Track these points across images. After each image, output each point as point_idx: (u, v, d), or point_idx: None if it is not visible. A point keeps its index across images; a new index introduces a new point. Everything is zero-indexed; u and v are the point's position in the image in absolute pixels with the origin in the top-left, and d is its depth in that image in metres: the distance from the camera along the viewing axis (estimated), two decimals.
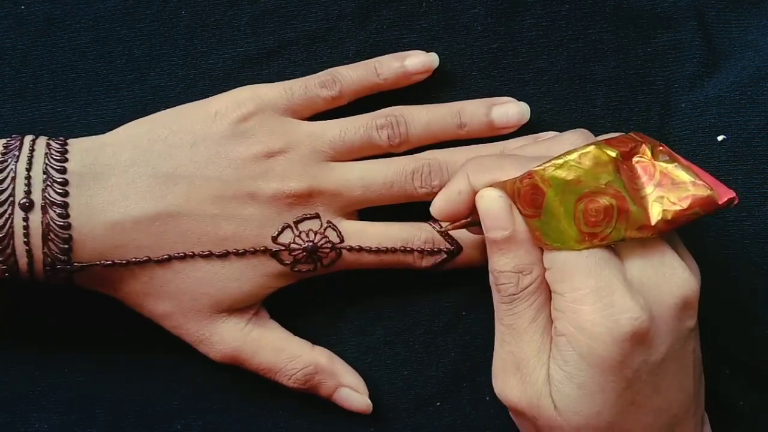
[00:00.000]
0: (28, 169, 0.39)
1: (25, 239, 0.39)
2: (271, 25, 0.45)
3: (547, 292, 0.38)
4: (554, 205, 0.37)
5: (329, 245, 0.42)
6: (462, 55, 0.46)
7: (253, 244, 0.41)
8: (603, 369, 0.36)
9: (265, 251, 0.41)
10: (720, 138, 0.45)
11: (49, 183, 0.39)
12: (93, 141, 0.41)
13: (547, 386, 0.38)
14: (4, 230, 0.38)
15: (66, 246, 0.39)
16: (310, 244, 0.41)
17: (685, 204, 0.37)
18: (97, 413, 0.45)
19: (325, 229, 0.42)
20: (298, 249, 0.41)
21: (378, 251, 0.42)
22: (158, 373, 0.45)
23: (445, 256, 0.43)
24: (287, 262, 0.41)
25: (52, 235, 0.39)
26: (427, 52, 0.44)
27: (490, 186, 0.39)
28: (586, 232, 0.37)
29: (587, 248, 0.37)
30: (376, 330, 0.46)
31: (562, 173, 0.37)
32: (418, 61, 0.44)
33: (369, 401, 0.44)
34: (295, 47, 0.45)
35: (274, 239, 0.41)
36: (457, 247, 0.43)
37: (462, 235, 0.43)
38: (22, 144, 0.40)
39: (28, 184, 0.39)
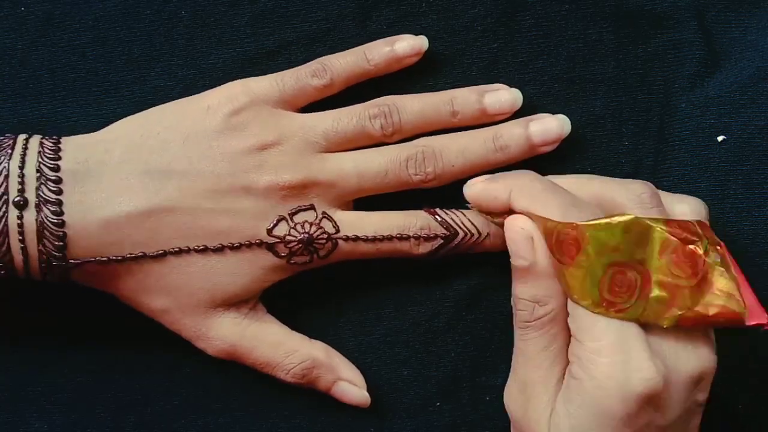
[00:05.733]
0: (21, 167, 0.39)
1: (20, 237, 0.39)
2: (271, 25, 0.45)
3: (561, 324, 0.39)
4: (586, 263, 0.37)
5: (325, 236, 0.42)
6: (462, 55, 0.46)
7: (249, 238, 0.41)
8: (603, 421, 0.37)
9: (261, 244, 0.41)
10: (720, 138, 0.45)
11: (42, 181, 0.39)
12: (85, 138, 0.41)
13: (548, 412, 0.39)
14: None
15: (61, 243, 0.39)
16: (306, 235, 0.41)
17: (711, 311, 0.37)
18: (97, 413, 0.45)
19: (320, 220, 0.42)
20: (294, 241, 0.41)
21: (374, 239, 0.42)
22: (158, 373, 0.45)
23: (441, 241, 0.43)
24: (283, 254, 0.41)
25: (46, 233, 0.39)
26: (427, 51, 0.44)
27: (524, 214, 0.39)
28: (606, 299, 0.37)
29: (600, 314, 0.37)
30: (376, 330, 0.46)
31: (605, 236, 0.37)
32: (407, 44, 0.44)
33: (367, 394, 0.44)
34: (295, 47, 0.45)
35: (270, 232, 0.41)
36: (452, 233, 0.43)
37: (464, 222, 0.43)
38: (15, 143, 0.40)
39: (22, 183, 0.39)
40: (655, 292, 0.37)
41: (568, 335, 0.39)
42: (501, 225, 0.41)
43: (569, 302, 0.38)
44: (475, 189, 0.42)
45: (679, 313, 0.37)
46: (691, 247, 0.37)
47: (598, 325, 0.37)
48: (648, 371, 0.36)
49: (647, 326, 0.38)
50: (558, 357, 0.39)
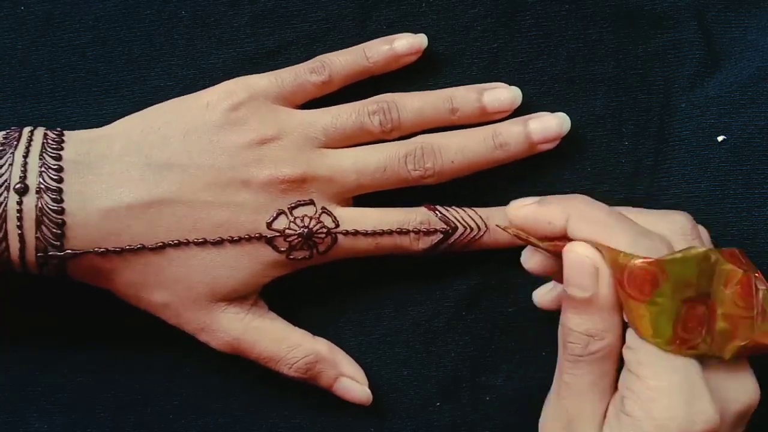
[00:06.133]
0: (25, 156, 0.39)
1: (18, 223, 0.39)
2: (271, 25, 0.45)
3: (615, 358, 0.37)
4: (662, 300, 0.35)
5: (324, 230, 0.42)
6: (462, 55, 0.46)
7: (248, 231, 0.41)
8: None
9: (260, 238, 0.41)
10: (720, 138, 0.45)
11: (44, 169, 0.39)
12: (88, 133, 0.42)
13: None
14: None
15: (59, 231, 0.39)
16: (306, 229, 0.41)
17: (767, 340, 0.36)
18: (97, 413, 0.45)
19: (319, 215, 0.42)
20: (294, 234, 0.41)
21: (374, 234, 0.42)
22: (158, 373, 0.45)
23: (441, 236, 0.43)
24: (282, 249, 0.41)
25: (45, 220, 0.39)
26: (427, 51, 0.44)
27: (587, 242, 0.37)
28: (680, 337, 0.36)
29: (673, 352, 0.36)
30: (376, 330, 0.46)
31: (682, 271, 0.35)
32: (406, 42, 0.44)
33: (369, 392, 0.44)
34: (295, 47, 0.45)
35: (269, 225, 0.41)
36: (452, 228, 0.43)
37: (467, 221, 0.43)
38: (20, 134, 0.40)
39: (24, 170, 0.39)
40: (720, 324, 0.36)
41: (616, 369, 0.38)
42: (549, 250, 0.38)
43: (630, 334, 0.37)
44: (524, 211, 0.39)
45: (741, 344, 0.36)
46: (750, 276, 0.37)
47: (664, 364, 0.36)
48: (709, 413, 0.35)
49: (702, 362, 0.37)
50: (606, 392, 0.38)
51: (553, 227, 0.38)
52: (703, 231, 0.41)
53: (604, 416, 0.37)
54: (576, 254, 0.37)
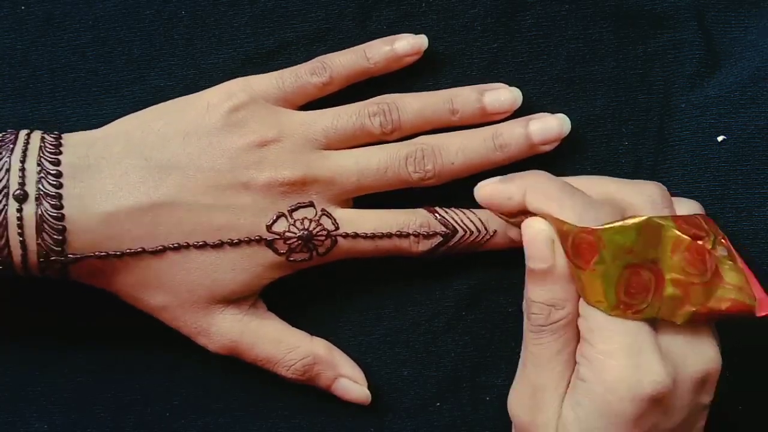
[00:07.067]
0: (23, 161, 0.39)
1: (19, 230, 0.39)
2: (271, 25, 0.45)
3: (575, 327, 0.39)
4: (602, 267, 0.37)
5: (324, 233, 0.42)
6: (462, 55, 0.46)
7: (248, 234, 0.41)
8: (613, 423, 0.37)
9: (260, 240, 0.41)
10: (720, 138, 0.45)
11: (43, 175, 0.39)
12: (86, 135, 0.41)
13: (555, 419, 0.39)
14: None
15: (60, 237, 0.39)
16: (305, 232, 0.41)
17: (723, 306, 0.37)
18: (97, 413, 0.45)
19: (319, 217, 0.42)
20: (293, 237, 0.41)
21: (374, 237, 0.42)
22: (158, 373, 0.45)
23: (440, 239, 0.43)
24: (282, 251, 0.41)
25: (46, 227, 0.39)
26: (427, 51, 0.44)
27: (541, 216, 0.39)
28: (623, 301, 0.37)
29: (618, 316, 0.37)
30: (376, 330, 0.46)
31: (620, 239, 0.37)
32: (407, 42, 0.44)
33: (368, 392, 0.44)
34: (295, 47, 0.45)
35: (269, 228, 0.41)
36: (452, 231, 0.43)
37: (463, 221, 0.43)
38: (17, 138, 0.40)
39: (23, 176, 0.39)
40: (669, 290, 0.37)
41: (578, 338, 0.39)
42: (517, 225, 0.41)
43: (582, 304, 0.38)
44: (486, 190, 0.42)
45: (693, 309, 0.37)
46: (701, 243, 0.37)
47: (612, 328, 0.37)
48: (658, 374, 0.36)
49: (656, 326, 0.38)
50: (569, 361, 0.39)
51: (513, 202, 0.41)
52: (686, 202, 0.42)
53: (566, 387, 0.39)
54: (533, 228, 0.39)
